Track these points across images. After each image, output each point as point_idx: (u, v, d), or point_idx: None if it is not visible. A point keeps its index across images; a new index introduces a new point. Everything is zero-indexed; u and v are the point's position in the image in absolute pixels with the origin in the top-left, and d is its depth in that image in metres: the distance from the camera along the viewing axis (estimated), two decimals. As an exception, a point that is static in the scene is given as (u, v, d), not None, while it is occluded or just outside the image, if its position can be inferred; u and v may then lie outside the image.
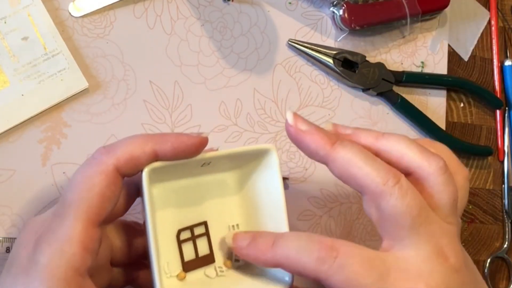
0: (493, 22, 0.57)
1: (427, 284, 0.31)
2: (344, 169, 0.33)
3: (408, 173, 0.34)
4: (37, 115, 0.45)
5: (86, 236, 0.31)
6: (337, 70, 0.50)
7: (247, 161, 0.39)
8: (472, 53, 0.57)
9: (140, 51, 0.48)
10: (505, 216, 0.58)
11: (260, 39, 0.50)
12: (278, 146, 0.49)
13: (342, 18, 0.50)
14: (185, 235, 0.38)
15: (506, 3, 0.58)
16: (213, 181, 0.39)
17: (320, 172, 0.50)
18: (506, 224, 0.58)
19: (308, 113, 0.50)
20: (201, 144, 0.34)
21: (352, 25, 0.50)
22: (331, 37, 0.51)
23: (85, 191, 0.31)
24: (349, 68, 0.51)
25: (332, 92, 0.51)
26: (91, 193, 0.31)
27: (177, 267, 0.38)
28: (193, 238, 0.38)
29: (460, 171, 0.37)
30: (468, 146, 0.55)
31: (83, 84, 0.46)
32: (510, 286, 0.58)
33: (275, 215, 0.38)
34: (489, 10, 0.57)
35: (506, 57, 0.59)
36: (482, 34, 0.56)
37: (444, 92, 0.55)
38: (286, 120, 0.35)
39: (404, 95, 0.52)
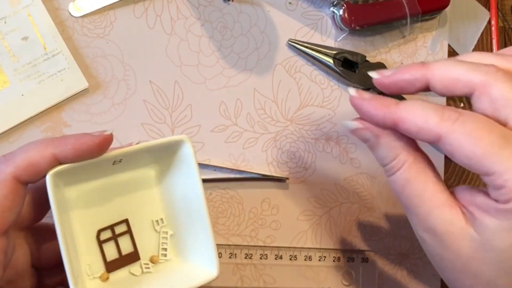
0: (493, 22, 0.57)
1: None
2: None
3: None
4: (37, 115, 0.45)
5: None
6: (337, 70, 0.50)
7: (164, 155, 0.39)
8: (472, 53, 0.57)
9: (140, 51, 0.48)
10: None
11: (260, 39, 0.50)
12: (278, 146, 0.49)
13: (342, 18, 0.50)
14: (106, 234, 0.38)
15: (506, 3, 0.58)
16: (131, 177, 0.39)
17: (320, 172, 0.50)
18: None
19: (308, 113, 0.50)
20: (104, 142, 0.34)
21: (352, 25, 0.50)
22: (331, 37, 0.51)
23: None
24: (349, 68, 0.51)
25: (332, 92, 0.51)
26: None
27: (100, 268, 0.38)
28: (115, 237, 0.38)
29: None
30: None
31: (83, 84, 0.46)
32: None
33: (196, 207, 0.38)
34: (489, 10, 0.57)
35: (506, 57, 0.58)
36: (482, 34, 0.56)
37: (444, 92, 0.55)
38: (350, 94, 0.37)
39: (404, 95, 0.51)
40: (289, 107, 0.50)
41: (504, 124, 0.33)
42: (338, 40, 0.51)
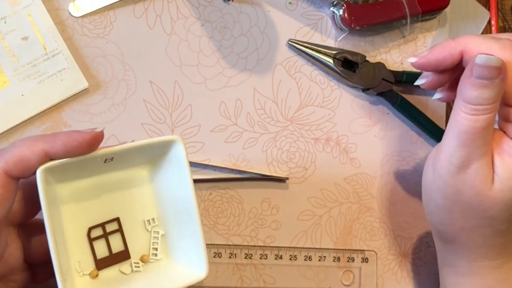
0: (493, 22, 0.57)
1: None
2: (480, 49, 0.38)
3: None
4: (37, 115, 0.45)
5: None
6: (337, 70, 0.50)
7: (156, 155, 0.39)
8: (472, 53, 0.57)
9: (140, 51, 0.48)
10: None
11: (260, 39, 0.50)
12: (278, 146, 0.49)
13: (342, 18, 0.50)
14: (97, 232, 0.39)
15: (506, 3, 0.58)
16: (124, 176, 0.39)
17: (320, 172, 0.50)
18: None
19: (308, 113, 0.50)
20: (94, 139, 0.34)
21: (352, 25, 0.50)
22: (331, 37, 0.51)
23: None
24: (349, 68, 0.51)
25: (332, 92, 0.51)
26: None
27: (90, 266, 0.38)
28: (105, 235, 0.39)
29: None
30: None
31: (83, 84, 0.46)
32: None
33: (187, 207, 0.38)
34: (489, 10, 0.57)
35: (506, 57, 0.58)
36: (482, 34, 0.56)
37: (444, 92, 0.55)
38: (411, 62, 0.41)
39: (404, 95, 0.51)
40: (289, 107, 0.50)
41: None
42: (338, 40, 0.51)
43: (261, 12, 0.50)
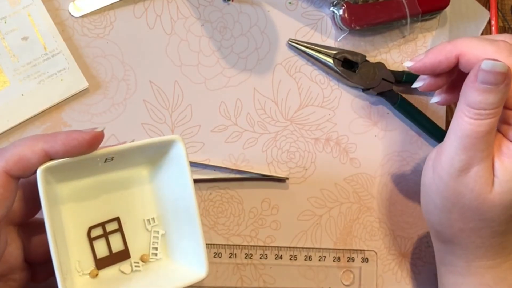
0: (493, 22, 0.57)
1: None
2: (473, 54, 0.39)
3: None
4: (37, 115, 0.45)
5: None
6: (337, 70, 0.50)
7: (156, 154, 0.39)
8: (472, 53, 0.57)
9: (140, 51, 0.48)
10: None
11: (260, 39, 0.50)
12: (278, 146, 0.49)
13: (342, 18, 0.50)
14: (97, 232, 0.39)
15: (506, 3, 0.57)
16: (124, 176, 0.39)
17: (320, 172, 0.50)
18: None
19: (308, 113, 0.50)
20: (94, 139, 0.34)
21: (352, 25, 0.50)
22: (331, 37, 0.51)
23: None
24: (349, 68, 0.51)
25: (332, 92, 0.51)
26: None
27: (90, 265, 0.38)
28: (106, 235, 0.39)
29: None
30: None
31: (83, 84, 0.46)
32: None
33: (187, 207, 0.38)
34: (489, 10, 0.57)
35: (506, 57, 0.58)
36: (482, 34, 0.56)
37: (444, 92, 0.55)
38: (407, 66, 0.41)
39: (404, 95, 0.51)
40: (289, 107, 0.50)
41: None
42: (338, 40, 0.51)
43: (261, 12, 0.50)
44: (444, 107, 0.54)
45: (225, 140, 0.49)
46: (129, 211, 0.40)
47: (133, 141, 0.37)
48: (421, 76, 0.43)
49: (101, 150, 0.35)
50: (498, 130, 0.40)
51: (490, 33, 0.57)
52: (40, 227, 0.36)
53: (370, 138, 0.51)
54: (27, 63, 0.45)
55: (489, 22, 0.57)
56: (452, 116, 0.53)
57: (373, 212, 0.51)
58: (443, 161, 0.40)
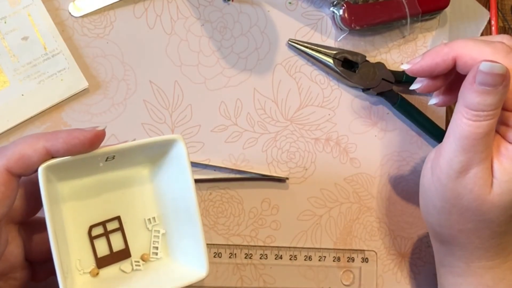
0: (493, 22, 0.57)
1: None
2: (470, 56, 0.39)
3: None
4: (37, 115, 0.45)
5: None
6: (337, 70, 0.50)
7: (157, 154, 0.39)
8: (472, 53, 0.57)
9: (140, 51, 0.48)
10: None
11: (260, 39, 0.50)
12: (278, 146, 0.49)
13: (342, 18, 0.50)
14: (98, 231, 0.39)
15: (506, 3, 0.57)
16: (125, 175, 0.40)
17: (320, 172, 0.50)
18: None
19: (308, 113, 0.50)
20: (96, 138, 0.34)
21: (352, 25, 0.50)
22: (331, 37, 0.51)
23: None
24: (349, 68, 0.51)
25: (332, 92, 0.51)
26: None
27: (91, 264, 0.38)
28: (106, 234, 0.39)
29: None
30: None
31: (83, 84, 0.46)
32: None
33: (187, 207, 0.38)
34: (489, 10, 0.57)
35: (506, 57, 0.58)
36: (482, 34, 0.56)
37: (444, 92, 0.55)
38: (404, 69, 0.42)
39: (404, 95, 0.51)
40: (289, 107, 0.50)
41: None
42: (338, 40, 0.51)
43: (261, 12, 0.50)
44: (444, 107, 0.54)
45: (225, 140, 0.49)
46: (129, 210, 0.40)
47: (134, 140, 0.37)
48: (419, 78, 0.43)
49: (102, 149, 0.35)
50: (497, 132, 0.40)
51: (490, 33, 0.57)
52: (41, 225, 0.36)
53: (370, 138, 0.51)
54: (27, 63, 0.45)
55: (489, 22, 0.57)
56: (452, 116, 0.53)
57: (373, 212, 0.51)
58: (442, 163, 0.40)
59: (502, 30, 0.58)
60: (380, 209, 0.51)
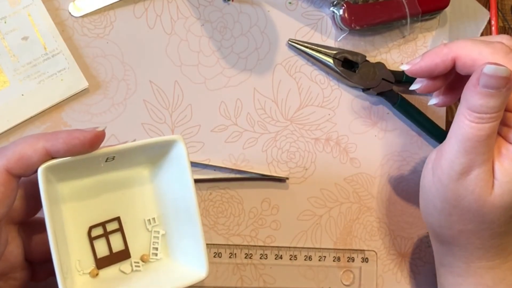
0: (493, 22, 0.57)
1: None
2: (469, 56, 0.39)
3: None
4: (37, 115, 0.45)
5: None
6: (337, 70, 0.50)
7: (157, 154, 0.39)
8: (472, 53, 0.57)
9: (140, 51, 0.48)
10: None
11: (260, 39, 0.50)
12: (278, 146, 0.49)
13: (342, 18, 0.50)
14: (97, 231, 0.39)
15: (506, 3, 0.57)
16: (125, 176, 0.40)
17: (320, 172, 0.50)
18: None
19: (308, 113, 0.50)
20: (96, 138, 0.34)
21: (352, 25, 0.50)
22: (331, 37, 0.51)
23: None
24: (349, 68, 0.51)
25: (332, 92, 0.51)
26: None
27: (90, 264, 0.38)
28: (106, 235, 0.39)
29: None
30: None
31: (83, 84, 0.46)
32: None
33: (187, 207, 0.38)
34: (489, 10, 0.57)
35: (506, 57, 0.58)
36: (482, 34, 0.56)
37: (444, 92, 0.55)
38: (404, 70, 0.42)
39: (404, 95, 0.51)
40: (289, 107, 0.50)
41: None
42: (338, 40, 0.51)
43: (261, 12, 0.50)
44: (444, 107, 0.54)
45: (225, 140, 0.49)
46: (129, 211, 0.40)
47: (134, 140, 0.37)
48: (419, 78, 0.43)
49: (102, 150, 0.35)
50: (498, 132, 0.40)
51: (490, 33, 0.57)
52: (40, 226, 0.36)
53: (370, 138, 0.51)
54: (27, 63, 0.45)
55: (489, 22, 0.57)
56: (452, 116, 0.53)
57: (373, 212, 0.51)
58: (443, 164, 0.40)
59: (502, 30, 0.58)
60: (380, 209, 0.51)
